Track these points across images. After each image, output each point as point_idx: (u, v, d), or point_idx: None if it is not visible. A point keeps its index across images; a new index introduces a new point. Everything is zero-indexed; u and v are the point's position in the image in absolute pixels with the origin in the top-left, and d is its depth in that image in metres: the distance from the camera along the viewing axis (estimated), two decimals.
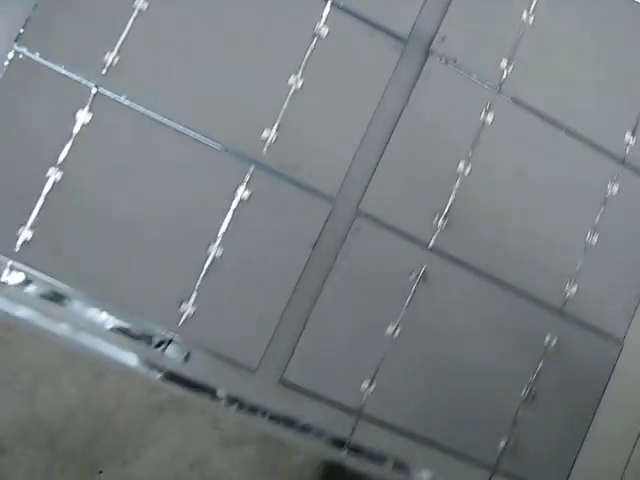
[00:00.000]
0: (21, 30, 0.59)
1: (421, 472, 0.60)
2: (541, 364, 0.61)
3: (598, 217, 0.63)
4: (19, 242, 0.59)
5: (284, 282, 0.61)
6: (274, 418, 0.62)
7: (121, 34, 0.60)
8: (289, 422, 0.62)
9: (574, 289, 0.62)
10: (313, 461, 0.80)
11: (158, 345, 0.60)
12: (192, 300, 0.60)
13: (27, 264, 0.59)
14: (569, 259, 0.63)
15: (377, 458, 0.63)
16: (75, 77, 0.60)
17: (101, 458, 0.78)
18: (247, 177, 0.61)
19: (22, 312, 0.60)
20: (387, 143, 0.64)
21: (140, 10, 0.60)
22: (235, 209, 0.61)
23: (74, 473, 0.78)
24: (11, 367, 0.85)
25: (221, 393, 0.61)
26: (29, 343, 0.79)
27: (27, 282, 0.59)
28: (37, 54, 0.60)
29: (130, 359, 0.61)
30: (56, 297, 0.59)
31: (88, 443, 0.80)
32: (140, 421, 0.80)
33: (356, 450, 0.63)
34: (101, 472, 0.79)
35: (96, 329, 0.60)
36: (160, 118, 0.60)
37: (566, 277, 0.63)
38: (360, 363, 0.63)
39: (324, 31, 0.63)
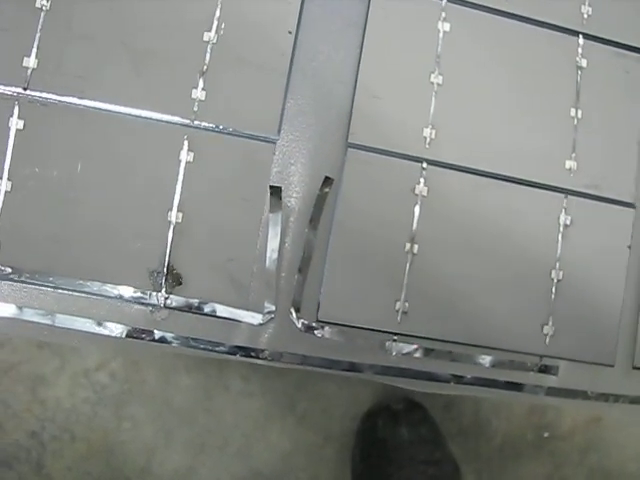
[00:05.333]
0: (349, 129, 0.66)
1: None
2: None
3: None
4: (399, 314, 0.66)
5: (615, 286, 0.70)
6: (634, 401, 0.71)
7: (430, 110, 0.67)
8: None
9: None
10: None
11: (539, 369, 0.68)
12: (550, 322, 0.68)
13: (410, 332, 0.66)
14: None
15: None
16: (404, 158, 0.67)
17: None
18: (564, 205, 0.70)
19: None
20: None
21: (438, 84, 0.67)
22: (562, 235, 0.69)
23: None
24: (220, 431, 0.91)
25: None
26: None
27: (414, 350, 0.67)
28: (365, 148, 0.66)
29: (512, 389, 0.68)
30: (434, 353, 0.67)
31: None
32: None
33: None
34: None
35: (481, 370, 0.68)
36: (483, 175, 0.68)
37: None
38: None
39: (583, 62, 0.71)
